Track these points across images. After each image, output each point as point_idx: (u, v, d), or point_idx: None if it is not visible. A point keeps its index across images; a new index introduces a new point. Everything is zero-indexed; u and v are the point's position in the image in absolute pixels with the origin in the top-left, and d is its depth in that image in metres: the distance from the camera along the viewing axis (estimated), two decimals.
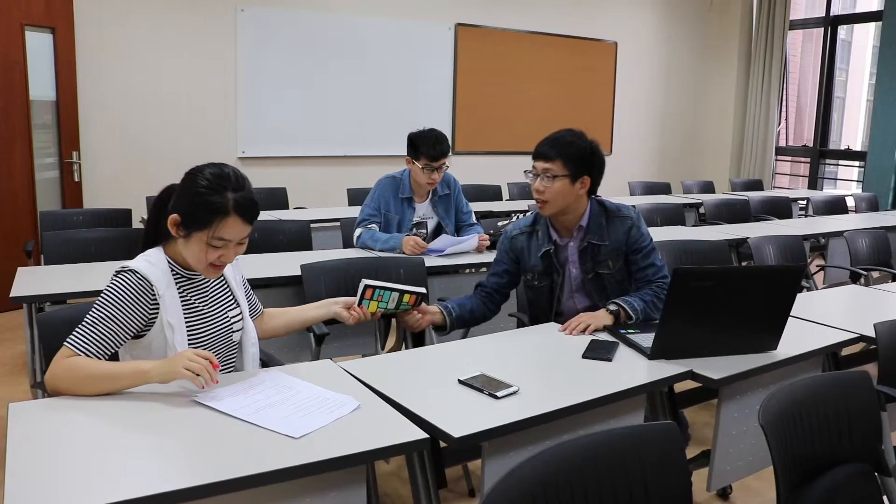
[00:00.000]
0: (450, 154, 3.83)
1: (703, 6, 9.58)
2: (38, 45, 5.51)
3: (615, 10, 8.90)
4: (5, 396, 3.88)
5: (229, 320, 2.10)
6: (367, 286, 2.29)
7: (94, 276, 3.03)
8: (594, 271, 2.71)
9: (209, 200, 1.89)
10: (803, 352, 2.35)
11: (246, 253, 3.56)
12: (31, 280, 3.03)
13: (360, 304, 2.30)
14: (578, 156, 2.60)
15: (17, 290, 2.86)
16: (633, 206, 2.79)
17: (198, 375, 1.74)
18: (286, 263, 3.36)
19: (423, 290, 2.46)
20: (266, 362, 2.29)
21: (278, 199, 5.68)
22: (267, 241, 4.00)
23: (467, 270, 3.86)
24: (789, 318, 2.29)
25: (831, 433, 1.80)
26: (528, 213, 3.95)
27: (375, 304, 2.32)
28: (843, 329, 2.59)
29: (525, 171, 2.72)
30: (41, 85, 5.56)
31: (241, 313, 2.15)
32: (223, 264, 1.99)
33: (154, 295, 1.91)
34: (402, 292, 2.37)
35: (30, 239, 4.79)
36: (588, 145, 2.63)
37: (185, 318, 1.98)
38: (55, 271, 3.26)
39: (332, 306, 2.32)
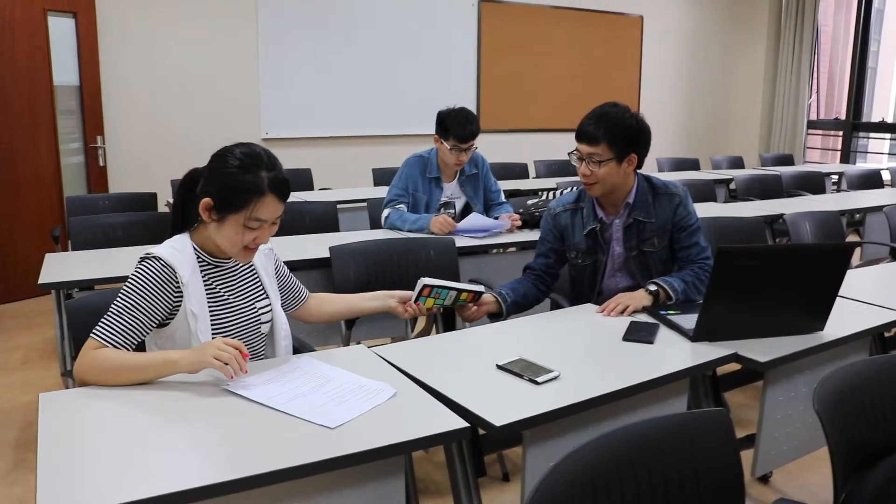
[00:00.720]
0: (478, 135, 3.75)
1: None
2: (61, 30, 5.49)
3: None
4: (37, 382, 3.89)
5: (257, 311, 2.05)
6: (424, 285, 2.23)
7: (120, 260, 3.00)
8: (638, 249, 2.63)
9: (244, 181, 1.84)
10: (851, 333, 2.26)
11: (272, 235, 3.53)
12: (59, 266, 3.01)
13: (416, 300, 2.26)
14: (624, 135, 2.49)
15: (45, 276, 2.85)
16: (683, 186, 2.68)
17: (227, 365, 1.70)
18: (313, 245, 3.31)
19: (481, 288, 2.42)
20: (298, 348, 2.24)
21: (303, 180, 5.63)
22: (293, 222, 3.95)
23: (496, 251, 3.79)
24: None
25: (888, 418, 1.73)
26: (559, 191, 3.89)
27: (432, 300, 2.28)
28: (891, 308, 2.49)
29: (569, 153, 2.60)
30: (65, 70, 5.55)
31: (270, 305, 2.09)
32: (257, 246, 1.94)
33: (177, 282, 1.86)
34: (460, 290, 2.33)
35: (57, 224, 4.79)
36: (634, 121, 2.51)
37: (210, 307, 1.93)
38: (82, 257, 3.24)
39: (387, 300, 2.29)
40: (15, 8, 5.16)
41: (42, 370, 4.06)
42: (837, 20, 9.88)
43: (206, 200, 1.87)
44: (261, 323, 2.06)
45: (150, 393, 1.72)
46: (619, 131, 2.48)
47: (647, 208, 2.60)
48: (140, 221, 3.76)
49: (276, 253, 2.20)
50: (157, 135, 6.17)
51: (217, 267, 1.99)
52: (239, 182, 1.84)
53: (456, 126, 3.66)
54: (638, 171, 2.62)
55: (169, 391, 1.73)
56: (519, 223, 3.71)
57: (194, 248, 1.95)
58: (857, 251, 5.30)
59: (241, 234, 1.87)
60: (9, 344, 4.49)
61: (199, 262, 1.94)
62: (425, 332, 3.56)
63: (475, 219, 3.68)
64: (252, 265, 2.09)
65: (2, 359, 4.24)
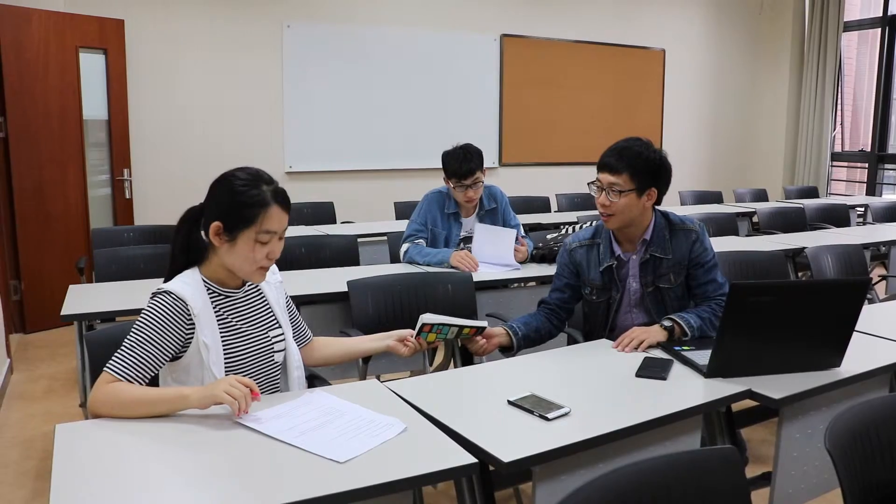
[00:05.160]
0: (482, 169, 3.74)
1: (753, 10, 9.40)
2: (91, 66, 5.63)
3: (662, 17, 8.78)
4: (59, 412, 3.94)
5: (270, 339, 2.08)
6: (424, 323, 2.25)
7: (142, 293, 2.99)
8: (654, 285, 2.61)
9: (250, 196, 1.92)
10: (869, 369, 2.23)
11: (292, 268, 3.56)
12: (82, 298, 3.07)
13: (417, 335, 2.27)
14: (646, 168, 2.49)
15: (68, 307, 2.91)
16: (699, 222, 2.66)
17: (236, 401, 1.72)
18: (333, 279, 3.33)
19: (484, 323, 2.43)
20: (312, 381, 2.26)
21: (326, 213, 5.69)
22: (314, 256, 3.99)
23: (514, 285, 3.80)
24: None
25: None
26: (580, 225, 3.89)
27: (434, 335, 2.30)
28: None
29: (589, 183, 2.61)
30: (94, 104, 5.69)
31: (283, 334, 2.12)
32: (271, 263, 1.99)
33: (190, 315, 1.90)
34: (462, 326, 2.34)
35: (83, 256, 4.87)
36: (656, 156, 2.52)
37: (222, 337, 1.96)
38: (105, 289, 3.29)
39: (386, 340, 2.30)
40: (49, 46, 5.30)
41: (64, 400, 4.11)
42: (861, 52, 9.85)
43: (216, 224, 1.93)
44: (274, 352, 2.08)
45: (163, 425, 1.74)
46: (642, 164, 2.49)
47: (664, 244, 2.60)
48: (163, 254, 3.75)
49: (285, 288, 2.23)
50: (182, 168, 6.28)
51: (227, 297, 2.02)
52: (246, 199, 1.92)
53: (454, 165, 3.70)
54: (656, 206, 2.62)
55: (182, 424, 1.75)
56: (522, 255, 3.71)
57: (204, 281, 1.99)
58: (883, 284, 5.24)
59: (254, 249, 1.92)
60: (33, 373, 4.55)
61: (209, 293, 1.98)
62: (443, 366, 3.56)
63: (490, 239, 3.70)
64: (263, 296, 2.12)
65: (26, 388, 4.30)
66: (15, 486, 3.14)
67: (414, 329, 2.29)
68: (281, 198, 1.96)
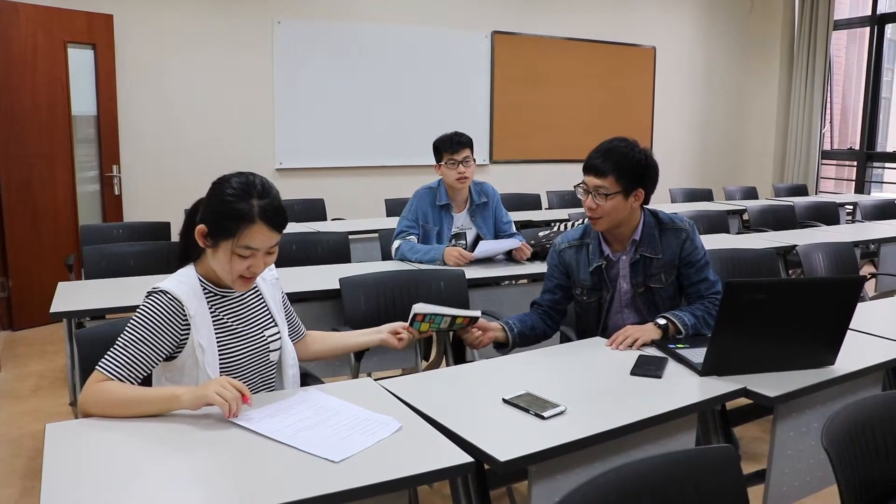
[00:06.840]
0: (472, 151, 3.80)
1: (743, 9, 9.42)
2: (80, 62, 5.59)
3: (653, 15, 8.79)
4: (48, 410, 3.91)
5: (266, 339, 2.05)
6: (416, 313, 2.24)
7: (132, 290, 3.01)
8: (645, 285, 2.60)
9: (235, 208, 1.85)
10: (863, 367, 2.23)
11: (283, 266, 3.54)
12: (71, 295, 3.03)
13: (410, 326, 2.27)
14: (632, 169, 2.46)
15: (57, 305, 2.87)
16: (689, 220, 2.65)
17: (227, 403, 1.70)
18: (324, 276, 3.32)
19: (477, 313, 2.43)
20: (305, 380, 2.24)
21: (316, 210, 5.67)
22: (305, 253, 3.97)
23: (506, 283, 3.78)
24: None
25: None
26: (571, 223, 3.88)
27: (427, 325, 2.29)
28: None
29: (575, 186, 2.59)
30: (82, 100, 5.65)
31: (278, 332, 2.10)
32: (253, 276, 1.94)
33: (185, 315, 1.87)
34: (455, 316, 2.33)
35: (72, 253, 4.83)
36: (642, 156, 2.49)
37: (217, 337, 1.94)
38: (94, 286, 3.26)
39: (379, 334, 2.29)
40: (37, 41, 5.26)
41: (53, 398, 4.08)
42: (850, 51, 9.89)
43: (201, 227, 1.90)
44: (269, 351, 2.06)
45: (155, 425, 1.72)
46: (628, 165, 2.47)
47: (654, 244, 2.58)
48: (153, 251, 3.78)
49: (281, 284, 2.21)
50: (171, 164, 6.25)
51: (223, 297, 2.00)
52: (230, 209, 1.85)
53: (445, 143, 3.78)
54: (645, 206, 2.61)
55: (175, 423, 1.73)
56: (528, 253, 3.69)
57: (199, 280, 1.96)
58: (872, 283, 5.25)
59: (232, 261, 1.88)
60: (21, 371, 4.51)
61: (204, 292, 1.95)
62: (435, 364, 3.55)
63: (488, 245, 3.68)
64: (259, 293, 2.10)
65: (14, 386, 4.27)
66: (3, 485, 3.12)
67: (406, 321, 2.28)
68: (269, 215, 1.87)
